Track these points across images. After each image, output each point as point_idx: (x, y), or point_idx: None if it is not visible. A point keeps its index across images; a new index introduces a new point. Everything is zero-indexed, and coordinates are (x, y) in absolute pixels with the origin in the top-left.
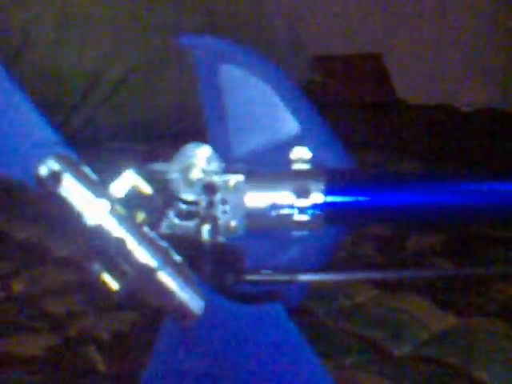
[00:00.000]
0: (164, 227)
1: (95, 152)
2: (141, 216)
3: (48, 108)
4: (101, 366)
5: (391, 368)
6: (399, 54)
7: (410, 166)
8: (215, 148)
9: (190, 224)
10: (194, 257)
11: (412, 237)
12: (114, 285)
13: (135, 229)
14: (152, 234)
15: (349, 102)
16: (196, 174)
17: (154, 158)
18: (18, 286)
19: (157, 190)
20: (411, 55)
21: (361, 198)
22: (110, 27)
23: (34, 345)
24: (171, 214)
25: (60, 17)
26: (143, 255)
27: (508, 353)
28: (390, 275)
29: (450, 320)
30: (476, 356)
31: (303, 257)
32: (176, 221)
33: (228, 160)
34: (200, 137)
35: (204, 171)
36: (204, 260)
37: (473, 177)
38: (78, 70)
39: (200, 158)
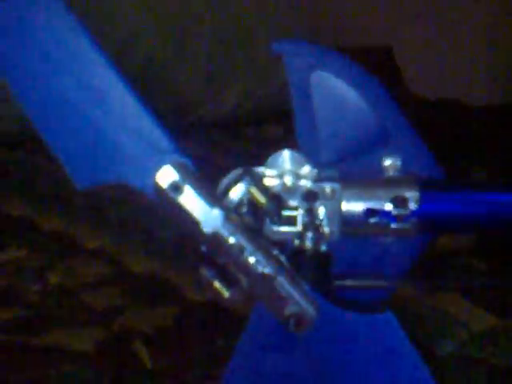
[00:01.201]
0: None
1: None
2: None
3: None
4: (147, 361)
5: (434, 367)
6: (409, 47)
7: None
8: (305, 153)
9: (292, 231)
10: (294, 264)
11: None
12: (224, 292)
13: (250, 236)
14: (265, 242)
15: None
16: (290, 180)
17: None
18: (53, 278)
19: (269, 198)
20: (421, 49)
21: (455, 208)
22: (137, 6)
23: (81, 339)
24: (268, 220)
25: None
26: (259, 263)
27: None
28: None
29: (490, 320)
30: None
31: (385, 260)
32: (276, 227)
33: (318, 165)
34: (210, 127)
35: (298, 177)
36: (307, 267)
37: None
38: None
39: (292, 164)
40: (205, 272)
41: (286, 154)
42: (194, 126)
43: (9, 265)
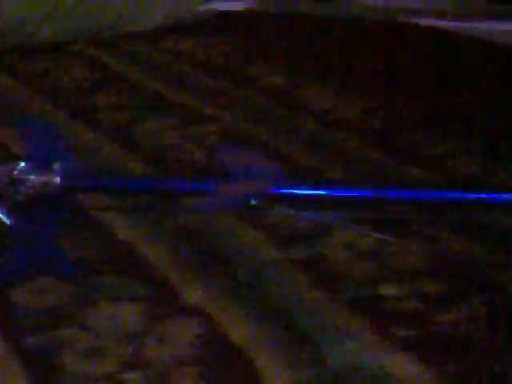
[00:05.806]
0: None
1: (60, 55)
2: None
3: (23, 19)
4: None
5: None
6: None
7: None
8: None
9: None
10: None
11: None
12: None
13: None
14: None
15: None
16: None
17: None
18: None
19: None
20: None
21: (83, 185)
22: None
23: None
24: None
25: None
26: None
27: None
28: None
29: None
30: None
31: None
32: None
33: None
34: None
35: (19, 171)
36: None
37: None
38: None
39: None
40: None
41: (21, 163)
42: (121, 38)
43: None
